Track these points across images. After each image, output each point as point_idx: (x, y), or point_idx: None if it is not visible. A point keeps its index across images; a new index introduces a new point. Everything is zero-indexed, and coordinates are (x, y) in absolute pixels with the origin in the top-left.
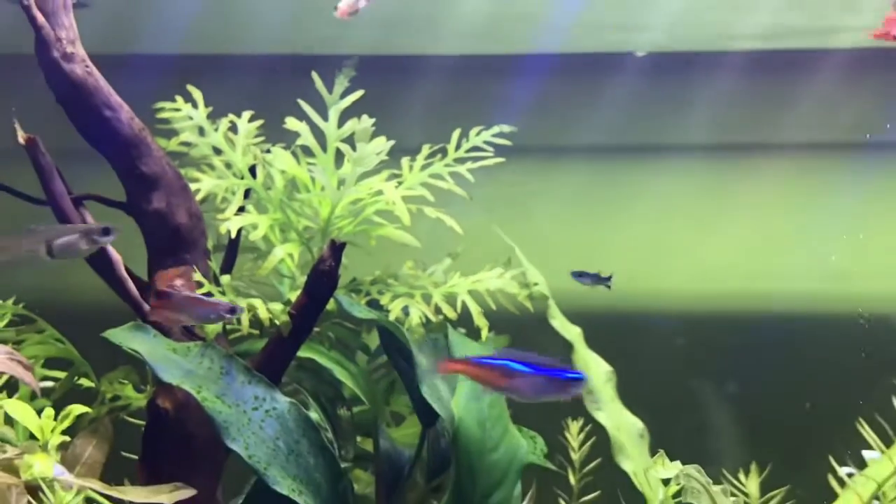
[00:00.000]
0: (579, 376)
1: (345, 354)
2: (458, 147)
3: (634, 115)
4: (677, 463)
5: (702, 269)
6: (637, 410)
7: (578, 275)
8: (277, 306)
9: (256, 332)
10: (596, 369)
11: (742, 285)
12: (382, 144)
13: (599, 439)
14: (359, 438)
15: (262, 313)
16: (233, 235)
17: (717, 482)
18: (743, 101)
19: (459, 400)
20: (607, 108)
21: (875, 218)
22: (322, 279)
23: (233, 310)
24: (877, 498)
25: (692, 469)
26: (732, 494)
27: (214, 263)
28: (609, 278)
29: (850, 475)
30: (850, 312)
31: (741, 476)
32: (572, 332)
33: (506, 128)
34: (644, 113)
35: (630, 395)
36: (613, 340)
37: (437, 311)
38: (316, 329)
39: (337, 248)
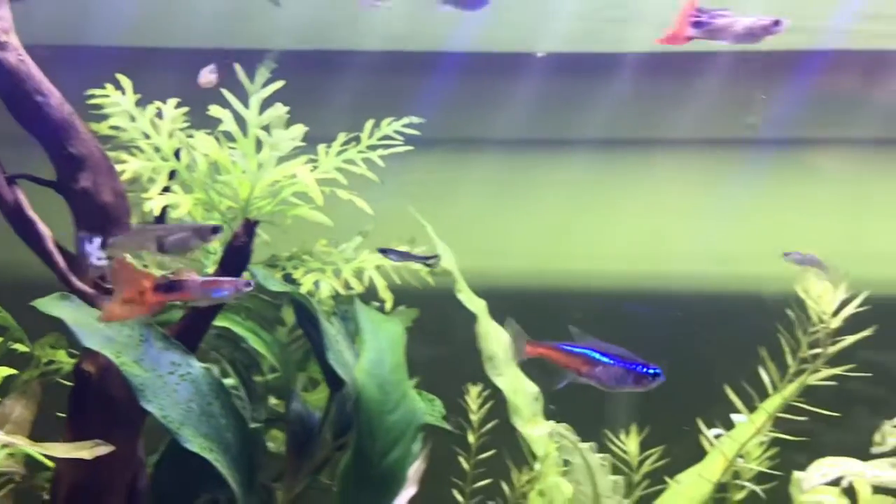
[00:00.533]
0: (657, 371)
1: (260, 324)
2: (371, 136)
3: (539, 111)
4: (551, 423)
5: (602, 251)
6: (536, 377)
7: (384, 251)
8: None
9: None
10: (497, 339)
11: (637, 267)
12: (298, 131)
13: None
14: (276, 401)
15: None
16: (156, 213)
17: (602, 442)
18: (638, 99)
19: (362, 366)
20: (514, 104)
21: (758, 206)
22: (235, 254)
23: (248, 283)
24: (741, 456)
25: (562, 428)
26: (615, 453)
27: None
28: (432, 257)
29: (717, 436)
30: (735, 291)
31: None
32: (477, 305)
33: (415, 119)
34: (547, 109)
35: (531, 364)
36: (520, 315)
37: (347, 285)
38: (236, 301)
39: (249, 226)
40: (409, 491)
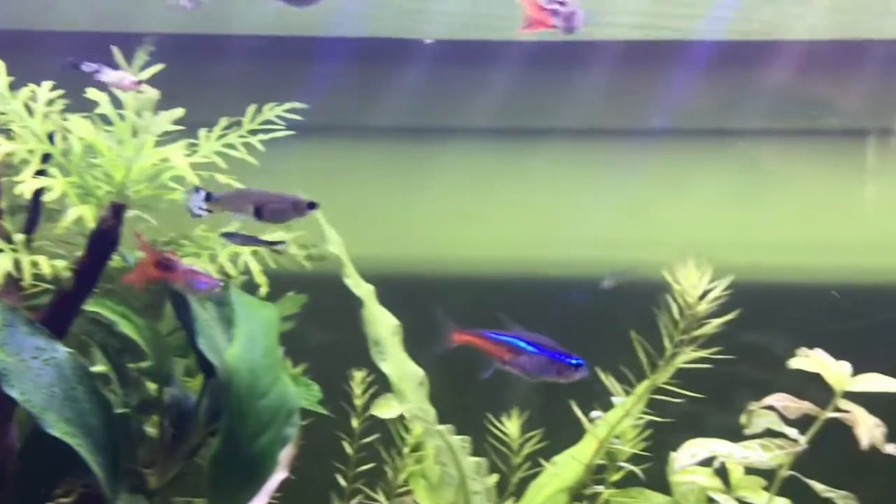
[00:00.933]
0: (580, 363)
1: (134, 309)
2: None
3: (428, 98)
4: (407, 405)
5: (489, 238)
6: (423, 362)
7: (227, 235)
8: (61, 263)
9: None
10: (384, 323)
11: (524, 252)
12: (174, 115)
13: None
14: (155, 387)
15: (45, 269)
16: (27, 196)
17: (482, 425)
18: (527, 89)
19: (234, 350)
20: (403, 91)
21: (644, 195)
22: (102, 237)
23: (219, 284)
24: (617, 437)
25: (416, 409)
26: (496, 436)
27: (9, 223)
28: (279, 243)
29: (595, 419)
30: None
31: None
32: (364, 290)
33: (298, 104)
34: (436, 97)
35: (417, 348)
36: (409, 300)
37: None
38: (110, 286)
39: (117, 210)
40: (279, 475)
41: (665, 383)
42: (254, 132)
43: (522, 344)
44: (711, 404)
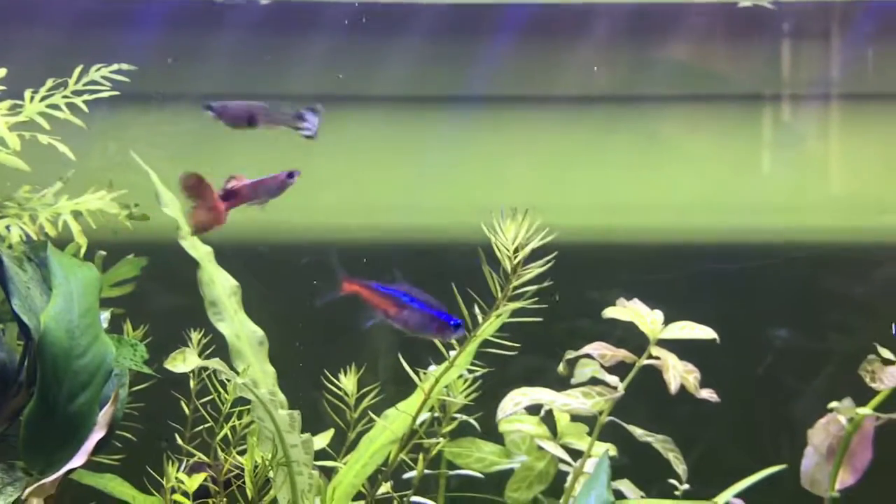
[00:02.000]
0: (459, 323)
1: None
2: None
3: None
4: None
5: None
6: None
7: None
8: None
9: None
10: (222, 283)
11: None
12: None
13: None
14: None
15: None
16: None
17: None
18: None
19: (49, 311)
20: (232, 55)
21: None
22: None
23: (291, 174)
24: (447, 387)
25: (216, 364)
26: (335, 393)
27: None
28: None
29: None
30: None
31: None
32: (201, 251)
33: (125, 66)
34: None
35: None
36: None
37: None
38: None
39: None
40: (97, 434)
41: (500, 338)
42: (78, 93)
43: (406, 299)
44: (555, 358)
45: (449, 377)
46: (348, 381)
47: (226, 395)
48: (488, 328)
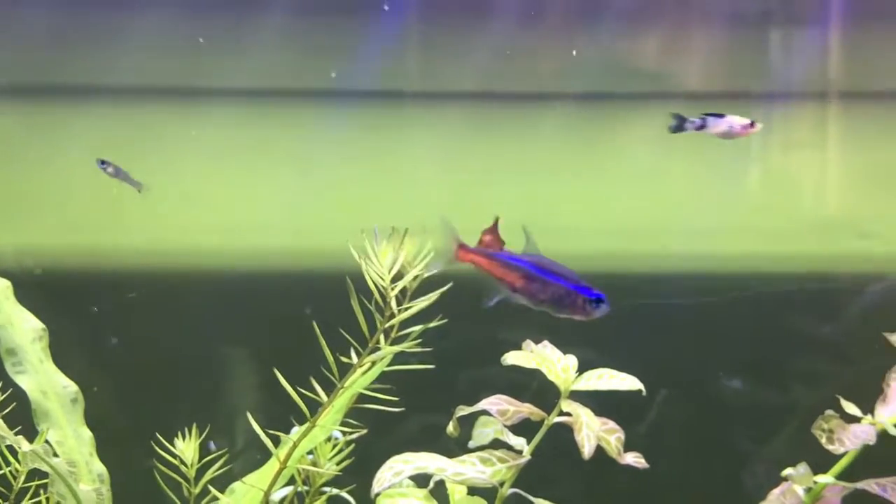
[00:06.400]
0: (600, 297)
1: None
2: None
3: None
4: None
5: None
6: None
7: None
8: None
9: None
10: (21, 328)
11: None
12: None
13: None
14: None
15: None
16: None
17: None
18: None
19: None
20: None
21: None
22: None
23: None
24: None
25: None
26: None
27: None
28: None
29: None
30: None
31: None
32: None
33: None
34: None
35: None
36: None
37: None
38: None
39: None
40: None
41: (380, 390)
42: None
43: (536, 271)
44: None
45: (313, 440)
46: (187, 447)
47: (17, 467)
48: (362, 378)
